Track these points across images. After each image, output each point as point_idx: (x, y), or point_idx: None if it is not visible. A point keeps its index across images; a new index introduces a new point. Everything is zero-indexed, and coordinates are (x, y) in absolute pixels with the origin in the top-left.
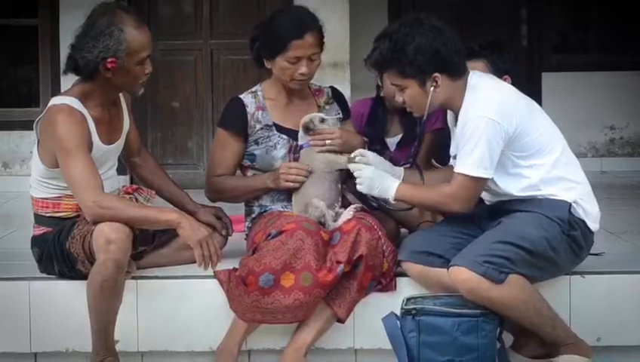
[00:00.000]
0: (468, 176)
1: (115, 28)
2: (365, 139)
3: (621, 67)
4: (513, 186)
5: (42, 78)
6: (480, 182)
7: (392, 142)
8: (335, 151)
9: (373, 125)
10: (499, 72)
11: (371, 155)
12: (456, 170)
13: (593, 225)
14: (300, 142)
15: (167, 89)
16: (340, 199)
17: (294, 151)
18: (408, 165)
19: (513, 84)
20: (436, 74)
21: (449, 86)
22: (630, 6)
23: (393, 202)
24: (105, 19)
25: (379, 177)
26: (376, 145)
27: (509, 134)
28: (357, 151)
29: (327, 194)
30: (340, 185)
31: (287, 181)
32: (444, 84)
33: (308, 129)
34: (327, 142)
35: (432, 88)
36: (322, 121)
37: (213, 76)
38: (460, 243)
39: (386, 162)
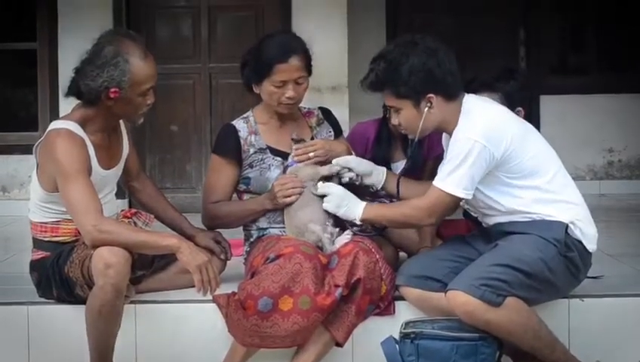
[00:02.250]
0: (446, 192)
1: (120, 58)
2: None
3: (619, 90)
4: (507, 205)
5: (41, 102)
6: (455, 200)
7: (396, 167)
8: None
9: (379, 146)
10: (513, 104)
11: (352, 158)
12: (435, 183)
13: (590, 246)
14: (290, 159)
15: (166, 112)
16: (330, 218)
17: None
18: None
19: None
20: (430, 94)
21: (444, 107)
22: (629, 28)
23: (358, 223)
24: (111, 48)
25: (347, 198)
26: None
27: (495, 158)
28: (338, 159)
29: (317, 214)
30: None
31: (285, 197)
32: (439, 105)
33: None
34: (311, 154)
35: (426, 109)
36: (297, 141)
37: (212, 99)
38: (457, 266)
39: (368, 162)
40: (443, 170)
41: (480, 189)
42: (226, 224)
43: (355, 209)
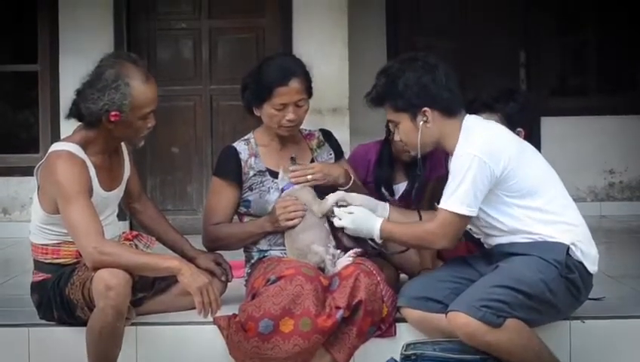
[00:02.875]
0: (451, 212)
1: (121, 82)
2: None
3: (620, 111)
4: (508, 224)
5: (42, 123)
6: (463, 219)
7: (398, 189)
8: (321, 190)
9: (380, 168)
10: (513, 125)
11: (356, 196)
12: (441, 205)
13: (591, 267)
14: (280, 185)
15: (167, 134)
16: (331, 238)
17: None
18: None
19: (528, 134)
20: (426, 108)
21: (441, 123)
22: (629, 50)
23: (379, 241)
24: (112, 71)
25: (363, 219)
26: (384, 190)
27: (495, 175)
28: (339, 195)
29: (318, 235)
30: (327, 223)
31: (287, 220)
32: (436, 120)
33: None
34: (309, 177)
35: (421, 122)
36: (293, 162)
37: (213, 121)
38: (458, 288)
39: (370, 198)
40: (446, 190)
41: (482, 208)
42: (227, 246)
43: (374, 229)
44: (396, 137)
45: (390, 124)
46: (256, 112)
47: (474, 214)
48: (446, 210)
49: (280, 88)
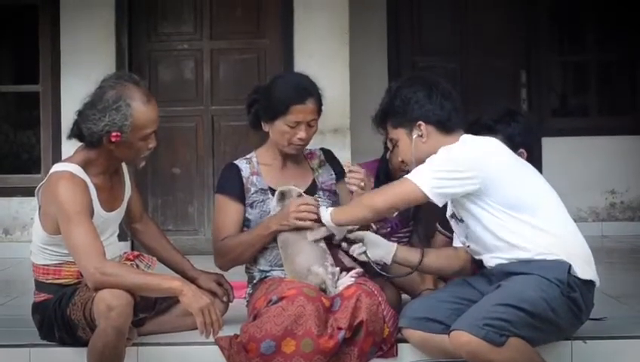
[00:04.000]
0: (413, 182)
1: (122, 102)
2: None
3: (621, 131)
4: (506, 239)
5: (44, 144)
6: (418, 194)
7: None
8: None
9: (378, 186)
10: (515, 146)
11: (369, 234)
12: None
13: (593, 278)
14: (273, 211)
15: (168, 155)
16: (328, 256)
17: None
18: (408, 234)
19: (531, 156)
20: (420, 122)
21: (437, 139)
22: (630, 71)
23: (332, 226)
24: (114, 92)
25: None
26: None
27: (459, 171)
28: (356, 234)
29: (314, 255)
30: (323, 242)
31: (297, 219)
32: (432, 135)
33: (283, 197)
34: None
35: (415, 136)
36: (299, 195)
37: (214, 142)
38: (459, 308)
39: (379, 238)
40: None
41: (479, 221)
42: (238, 257)
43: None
44: (397, 158)
45: (389, 144)
46: (265, 128)
47: (434, 198)
48: (409, 179)
49: (297, 106)
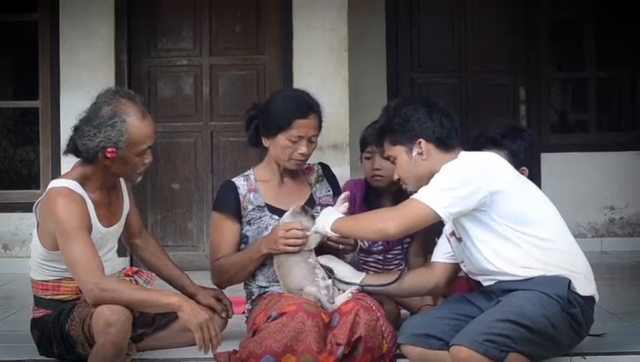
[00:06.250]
0: (423, 203)
1: (118, 118)
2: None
3: (620, 147)
4: (507, 255)
5: (43, 159)
6: (429, 215)
7: None
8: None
9: (367, 202)
10: (518, 163)
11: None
12: (415, 196)
13: (593, 293)
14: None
15: (167, 171)
16: (317, 270)
17: None
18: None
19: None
20: (420, 139)
21: (436, 157)
22: (629, 87)
23: (334, 235)
24: (109, 108)
25: (323, 214)
26: None
27: (468, 186)
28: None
29: (301, 274)
30: (312, 257)
31: (286, 246)
32: (431, 153)
33: (305, 212)
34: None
35: (415, 153)
36: (313, 217)
37: (214, 158)
38: (458, 325)
39: (347, 265)
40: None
41: (480, 234)
42: (233, 277)
43: (327, 223)
44: (395, 176)
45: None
46: (266, 143)
47: (446, 218)
48: (418, 200)
49: (300, 120)
